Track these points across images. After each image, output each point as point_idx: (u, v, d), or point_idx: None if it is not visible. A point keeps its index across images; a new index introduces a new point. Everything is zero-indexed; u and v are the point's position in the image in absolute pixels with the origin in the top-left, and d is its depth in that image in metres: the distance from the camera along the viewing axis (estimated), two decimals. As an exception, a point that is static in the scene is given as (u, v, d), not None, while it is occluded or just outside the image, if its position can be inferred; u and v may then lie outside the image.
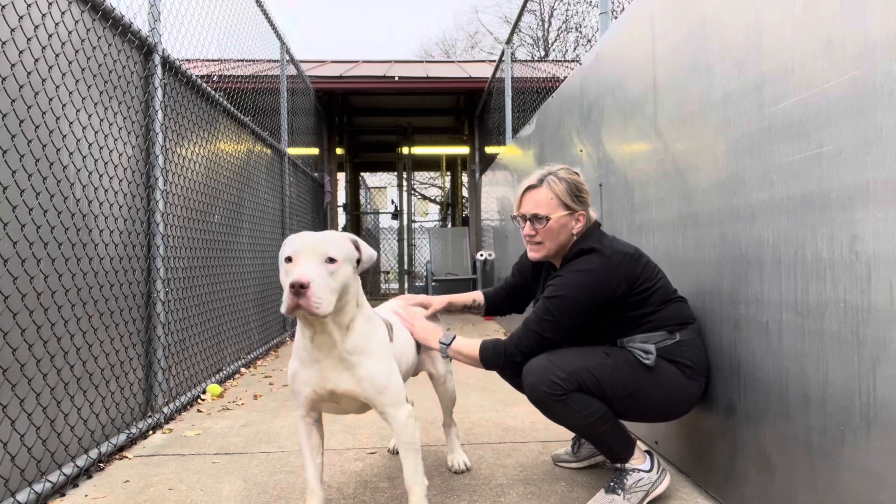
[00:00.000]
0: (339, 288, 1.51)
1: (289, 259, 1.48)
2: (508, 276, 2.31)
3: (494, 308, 2.31)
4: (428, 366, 2.19)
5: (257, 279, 4.93)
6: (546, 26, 16.76)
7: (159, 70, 2.95)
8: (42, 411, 2.05)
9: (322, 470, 1.77)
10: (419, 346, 2.09)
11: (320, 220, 8.62)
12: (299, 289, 1.38)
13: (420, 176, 18.70)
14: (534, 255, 1.99)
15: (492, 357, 1.90)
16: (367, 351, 1.66)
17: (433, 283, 8.71)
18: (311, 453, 1.75)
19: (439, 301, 2.23)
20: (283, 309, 1.42)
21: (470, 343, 1.98)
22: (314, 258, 1.47)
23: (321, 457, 1.77)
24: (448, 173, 13.95)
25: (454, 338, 1.99)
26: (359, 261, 1.64)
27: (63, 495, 2.05)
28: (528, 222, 1.96)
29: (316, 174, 8.25)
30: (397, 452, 2.44)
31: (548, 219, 1.91)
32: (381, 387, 1.66)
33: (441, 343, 2.00)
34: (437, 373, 2.19)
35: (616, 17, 3.42)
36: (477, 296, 2.29)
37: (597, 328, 1.90)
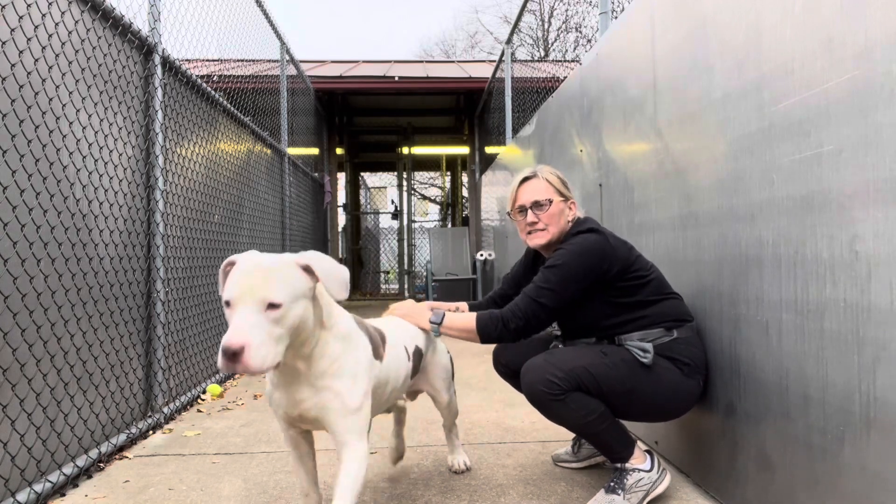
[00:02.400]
0: (289, 333, 1.31)
1: (227, 303, 1.28)
2: (498, 289, 2.30)
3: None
4: (426, 387, 2.09)
5: (257, 279, 4.92)
6: (546, 26, 16.77)
7: (159, 70, 2.95)
8: (42, 411, 2.05)
9: (316, 473, 1.68)
10: (416, 370, 1.93)
11: (320, 220, 8.62)
12: (231, 356, 1.20)
13: (420, 176, 18.70)
14: (538, 241, 2.01)
15: (490, 325, 1.86)
16: (339, 373, 1.47)
17: (433, 283, 8.71)
18: (301, 460, 1.65)
19: (428, 305, 2.15)
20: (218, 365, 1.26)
21: (463, 317, 1.91)
22: (251, 306, 1.25)
23: (313, 460, 1.68)
24: (448, 173, 13.95)
25: (444, 315, 1.94)
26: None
27: (63, 495, 2.05)
28: (528, 211, 2.00)
29: (316, 174, 8.25)
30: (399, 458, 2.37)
31: (550, 202, 1.98)
32: (347, 411, 1.47)
33: (431, 322, 1.94)
34: (439, 395, 2.10)
35: (616, 17, 3.42)
36: (461, 305, 2.24)
37: (592, 314, 1.91)
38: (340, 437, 1.47)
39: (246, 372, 1.22)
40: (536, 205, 1.99)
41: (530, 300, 1.84)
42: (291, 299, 1.30)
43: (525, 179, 2.04)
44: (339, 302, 1.61)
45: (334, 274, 1.37)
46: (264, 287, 1.26)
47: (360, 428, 1.50)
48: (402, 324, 1.94)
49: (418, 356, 1.93)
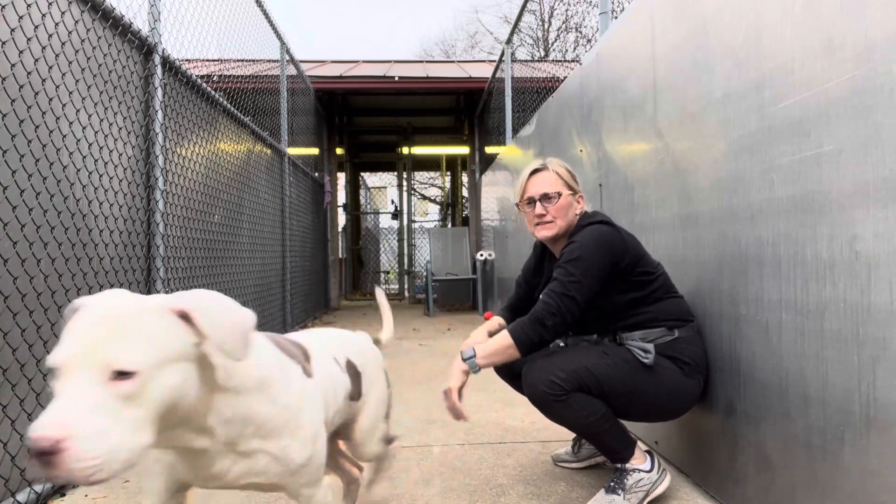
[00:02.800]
0: (157, 415, 0.86)
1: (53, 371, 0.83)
2: (512, 295, 2.30)
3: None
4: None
5: (257, 279, 4.93)
6: (546, 26, 16.78)
7: (159, 70, 2.95)
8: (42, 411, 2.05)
9: None
10: (358, 390, 1.49)
11: (320, 220, 8.62)
12: (40, 455, 0.75)
13: (420, 176, 18.70)
14: (546, 232, 2.00)
15: (528, 331, 1.76)
16: (268, 433, 1.06)
17: (433, 283, 8.71)
18: None
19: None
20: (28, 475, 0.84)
21: (494, 340, 1.80)
22: (87, 375, 0.80)
23: None
24: (448, 173, 13.95)
25: (473, 348, 1.81)
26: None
27: (63, 495, 2.05)
28: (537, 203, 2.00)
29: (316, 174, 8.25)
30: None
31: (559, 194, 1.98)
32: (298, 465, 1.11)
33: (465, 360, 1.80)
34: (355, 435, 1.53)
35: (616, 17, 3.42)
36: (500, 322, 2.19)
37: (599, 310, 1.90)
38: (295, 490, 1.15)
39: (72, 481, 0.77)
40: (545, 197, 1.99)
41: (560, 295, 1.79)
42: (155, 364, 0.85)
43: (535, 171, 2.04)
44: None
45: (228, 323, 0.92)
46: (109, 345, 0.82)
47: (316, 477, 1.17)
48: (327, 333, 1.52)
49: (354, 371, 1.48)
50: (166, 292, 3.04)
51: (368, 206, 15.21)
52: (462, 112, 10.76)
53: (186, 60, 3.42)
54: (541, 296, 1.86)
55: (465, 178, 13.33)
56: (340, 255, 10.98)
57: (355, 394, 1.46)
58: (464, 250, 9.49)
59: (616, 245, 1.86)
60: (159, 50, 2.96)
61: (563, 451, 2.32)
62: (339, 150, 10.70)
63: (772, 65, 1.58)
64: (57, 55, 2.18)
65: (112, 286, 2.53)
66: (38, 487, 1.95)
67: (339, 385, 1.36)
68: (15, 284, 1.92)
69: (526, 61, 7.11)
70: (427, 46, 29.44)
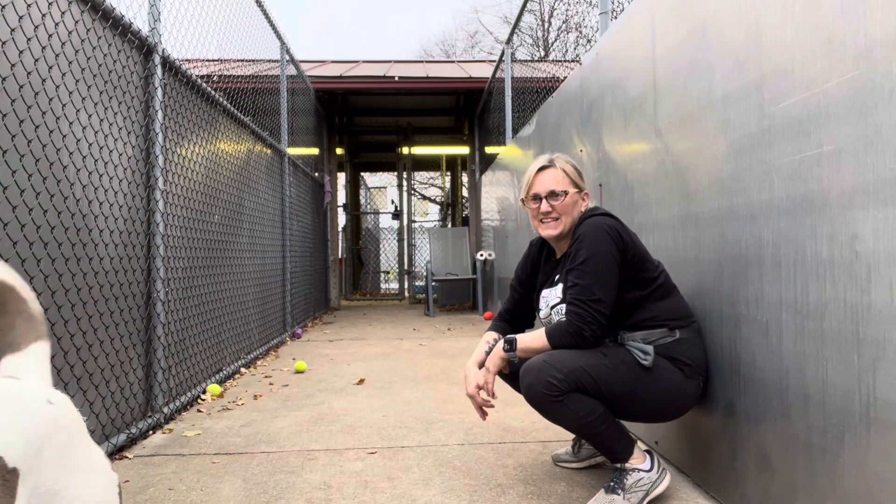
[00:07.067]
0: None
1: None
2: (507, 300, 2.30)
3: (515, 331, 2.24)
4: None
5: (257, 279, 4.93)
6: (546, 26, 16.78)
7: (159, 70, 2.95)
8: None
9: None
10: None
11: (320, 220, 8.62)
12: None
13: (420, 176, 18.70)
14: (550, 231, 2.01)
15: (567, 341, 1.82)
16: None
17: (433, 283, 8.71)
18: None
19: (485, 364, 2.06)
20: None
21: (533, 338, 1.88)
22: None
23: None
24: (448, 173, 13.95)
25: (515, 339, 1.91)
26: None
27: None
28: (543, 200, 2.00)
29: (316, 174, 8.25)
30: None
31: (565, 193, 1.99)
32: None
33: (506, 351, 1.92)
34: None
35: (616, 17, 3.42)
36: (495, 336, 2.19)
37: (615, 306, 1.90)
38: None
39: None
40: (552, 194, 1.99)
41: (586, 301, 1.80)
42: None
43: (542, 168, 2.04)
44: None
45: None
46: None
47: None
48: None
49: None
50: (166, 292, 3.04)
51: (368, 206, 15.20)
52: (462, 112, 10.75)
53: (186, 60, 3.42)
54: (566, 306, 1.86)
55: (465, 178, 13.33)
56: (340, 255, 10.98)
57: None
58: (464, 250, 9.48)
59: (619, 234, 1.86)
60: (159, 50, 2.96)
61: (563, 451, 2.32)
62: (339, 150, 10.69)
63: (772, 65, 1.58)
64: (57, 55, 2.18)
65: (112, 286, 2.53)
66: None
67: None
68: (15, 284, 1.92)
69: (526, 61, 7.11)
70: (427, 46, 29.47)
